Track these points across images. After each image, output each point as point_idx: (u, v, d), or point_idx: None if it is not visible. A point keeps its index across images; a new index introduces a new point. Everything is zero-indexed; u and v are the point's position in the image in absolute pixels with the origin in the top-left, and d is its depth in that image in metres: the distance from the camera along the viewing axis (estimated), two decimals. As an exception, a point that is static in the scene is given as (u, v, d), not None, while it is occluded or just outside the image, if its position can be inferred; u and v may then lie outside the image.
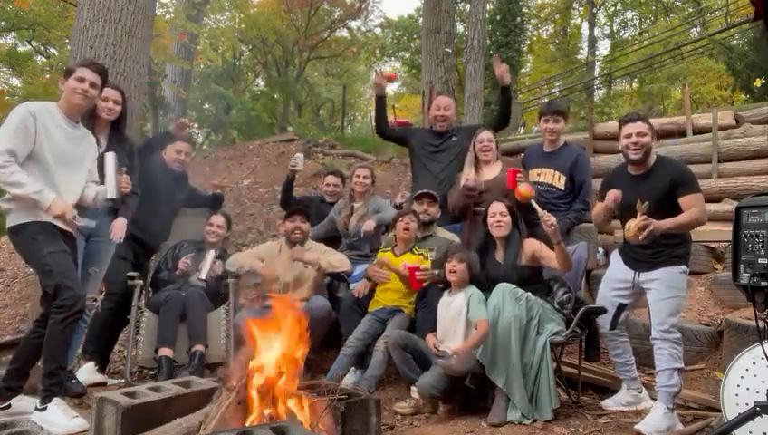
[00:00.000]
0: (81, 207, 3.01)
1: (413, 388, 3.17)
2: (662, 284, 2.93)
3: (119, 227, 3.33)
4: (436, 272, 3.41)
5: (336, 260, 3.76)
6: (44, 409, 2.72)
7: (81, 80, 2.90)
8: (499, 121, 4.30)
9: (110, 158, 3.08)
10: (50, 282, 2.76)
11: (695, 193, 2.90)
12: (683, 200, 2.87)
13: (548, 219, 3.07)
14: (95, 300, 3.30)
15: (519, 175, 3.54)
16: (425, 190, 3.84)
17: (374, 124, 4.58)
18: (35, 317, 3.13)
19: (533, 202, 3.28)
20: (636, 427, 2.80)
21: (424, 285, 3.46)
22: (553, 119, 3.91)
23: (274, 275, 3.69)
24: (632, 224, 2.78)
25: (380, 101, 4.41)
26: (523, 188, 3.27)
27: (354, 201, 4.27)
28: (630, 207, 2.84)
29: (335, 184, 4.60)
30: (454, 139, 4.18)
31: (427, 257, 3.64)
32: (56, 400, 2.76)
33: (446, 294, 3.30)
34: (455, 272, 3.19)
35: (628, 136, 3.00)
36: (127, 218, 3.39)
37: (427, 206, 3.81)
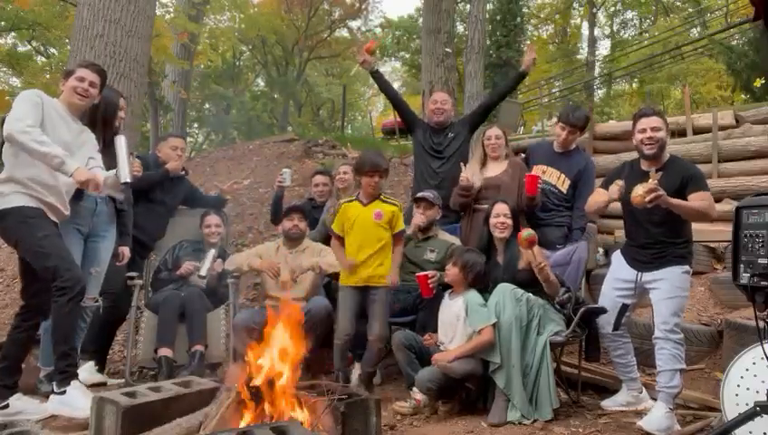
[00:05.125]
0: (82, 192, 3.00)
1: (414, 389, 3.17)
2: (667, 283, 2.91)
3: (126, 254, 3.51)
4: (439, 274, 3.39)
5: (334, 260, 3.75)
6: (63, 392, 2.72)
7: (82, 79, 2.93)
8: (497, 97, 4.50)
9: (122, 141, 2.89)
10: (47, 263, 2.72)
11: (704, 191, 2.89)
12: (692, 196, 2.86)
13: (538, 265, 3.09)
14: (96, 300, 3.29)
15: (539, 182, 3.60)
16: (421, 194, 3.80)
17: (383, 94, 4.63)
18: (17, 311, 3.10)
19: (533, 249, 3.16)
20: (638, 424, 2.79)
21: (434, 292, 3.41)
22: (568, 129, 3.84)
23: (275, 266, 3.67)
24: (641, 187, 2.71)
25: (376, 75, 4.37)
26: (526, 235, 3.11)
27: (340, 198, 4.30)
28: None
29: (324, 183, 4.58)
30: (451, 135, 4.19)
31: (401, 210, 3.41)
32: (75, 383, 2.76)
33: (446, 296, 3.30)
34: (446, 275, 3.20)
35: (643, 131, 2.94)
36: (129, 237, 3.56)
37: (423, 210, 3.78)
